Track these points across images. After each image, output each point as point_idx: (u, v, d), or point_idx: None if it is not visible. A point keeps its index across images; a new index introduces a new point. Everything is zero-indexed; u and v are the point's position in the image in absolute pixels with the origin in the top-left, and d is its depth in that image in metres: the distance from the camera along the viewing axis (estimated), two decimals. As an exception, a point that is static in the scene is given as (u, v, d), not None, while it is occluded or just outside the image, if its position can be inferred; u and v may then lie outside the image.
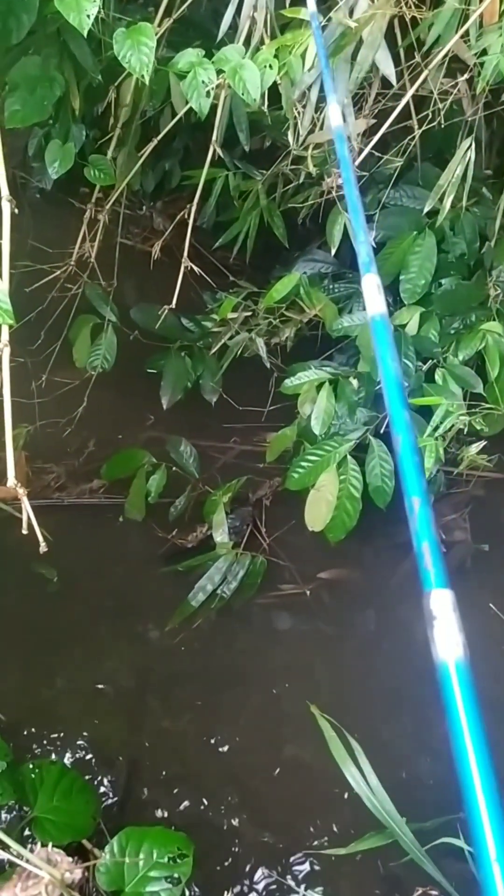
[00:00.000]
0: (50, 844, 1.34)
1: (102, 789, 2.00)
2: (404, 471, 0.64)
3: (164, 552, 2.44)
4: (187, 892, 1.81)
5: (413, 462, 0.64)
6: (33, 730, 2.09)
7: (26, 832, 1.57)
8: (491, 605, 2.36)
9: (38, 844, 1.34)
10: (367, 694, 2.19)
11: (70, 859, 1.29)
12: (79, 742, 2.08)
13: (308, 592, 2.38)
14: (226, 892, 1.37)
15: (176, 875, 1.40)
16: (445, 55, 1.87)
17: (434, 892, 1.78)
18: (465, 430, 2.02)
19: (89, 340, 2.56)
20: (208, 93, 1.73)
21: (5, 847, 1.27)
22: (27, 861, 1.27)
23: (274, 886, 1.87)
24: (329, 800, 1.97)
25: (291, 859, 1.91)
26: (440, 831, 1.68)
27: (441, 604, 0.55)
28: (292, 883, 1.86)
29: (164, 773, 2.05)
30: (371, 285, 0.83)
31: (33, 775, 1.55)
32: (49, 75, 1.78)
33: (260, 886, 1.87)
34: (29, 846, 1.35)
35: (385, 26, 1.83)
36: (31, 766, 1.57)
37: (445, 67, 1.96)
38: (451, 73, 2.00)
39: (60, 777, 1.57)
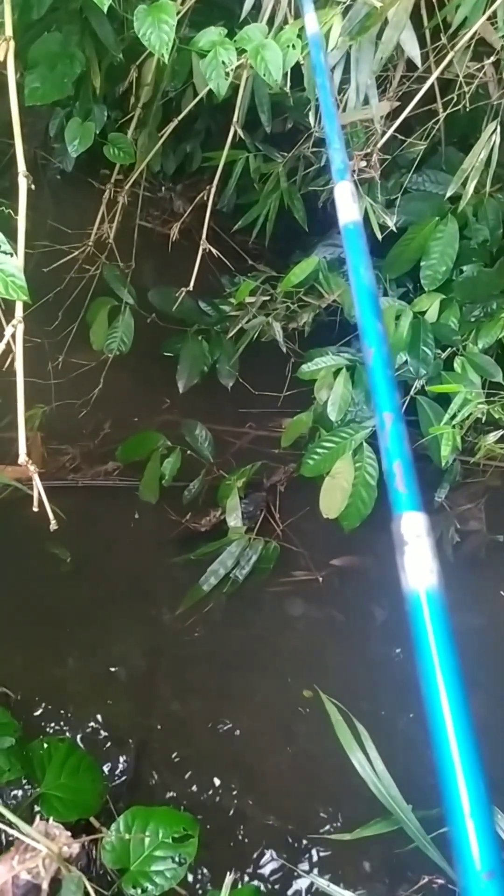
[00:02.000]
0: (50, 819, 1.34)
1: (111, 769, 2.01)
2: (376, 385, 0.60)
3: (177, 535, 2.44)
4: (193, 875, 1.82)
5: (385, 376, 0.60)
6: (44, 709, 2.10)
7: (35, 809, 1.58)
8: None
9: (38, 818, 1.35)
10: (377, 681, 2.19)
11: (69, 833, 1.30)
12: (88, 722, 2.09)
13: (320, 579, 2.38)
14: (229, 873, 1.37)
15: (181, 855, 1.40)
16: (472, 37, 1.84)
17: (440, 881, 1.78)
18: (484, 419, 2.00)
19: (106, 322, 2.55)
20: (228, 74, 1.71)
21: (5, 820, 1.28)
22: (25, 834, 1.28)
23: (280, 870, 1.87)
24: (336, 785, 1.97)
25: (297, 844, 1.91)
26: (441, 824, 1.67)
27: (413, 528, 0.50)
28: (298, 867, 1.86)
29: (172, 754, 2.06)
30: (345, 192, 0.80)
31: (41, 752, 1.56)
32: (70, 52, 1.77)
33: (266, 870, 1.88)
34: (36, 822, 1.36)
35: (411, 7, 1.80)
36: (39, 742, 1.58)
37: (472, 50, 1.92)
38: (478, 55, 1.96)
39: (68, 755, 1.58)
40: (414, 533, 0.50)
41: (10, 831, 1.28)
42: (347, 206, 0.78)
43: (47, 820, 1.32)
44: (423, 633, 0.45)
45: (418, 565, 0.48)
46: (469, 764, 0.40)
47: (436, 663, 0.43)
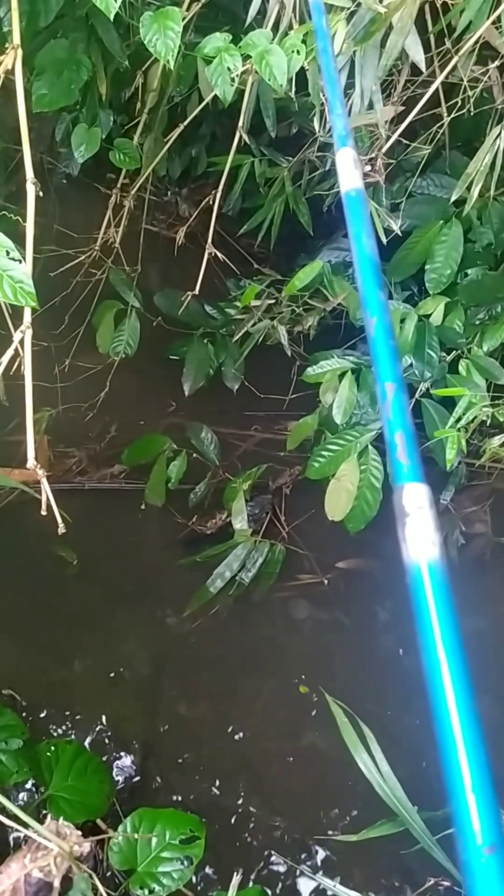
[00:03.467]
0: (60, 818, 1.36)
1: (118, 772, 2.02)
2: (377, 354, 0.59)
3: (183, 538, 2.45)
4: (199, 876, 1.83)
5: (387, 345, 0.59)
6: (51, 711, 2.11)
7: (42, 811, 1.59)
8: (510, 598, 2.35)
9: (49, 818, 1.36)
10: (382, 683, 2.19)
11: (79, 832, 1.31)
12: (95, 724, 2.10)
13: (326, 581, 2.38)
14: (235, 873, 1.38)
15: (188, 856, 1.41)
16: (476, 42, 1.85)
17: (446, 883, 1.78)
18: (489, 421, 2.01)
19: (113, 326, 2.57)
20: (233, 79, 1.72)
21: (17, 820, 1.29)
22: (37, 833, 1.29)
23: (286, 872, 1.88)
24: (343, 787, 1.98)
25: (303, 845, 1.92)
26: (449, 820, 1.68)
27: (415, 499, 0.49)
28: (305, 869, 1.87)
29: (178, 756, 2.07)
30: (347, 158, 0.78)
31: (49, 754, 1.57)
32: (76, 59, 1.78)
33: (272, 871, 1.88)
34: (48, 821, 1.38)
35: (415, 12, 1.80)
36: (46, 744, 1.59)
37: (476, 54, 1.93)
38: (482, 60, 1.97)
39: (76, 756, 1.58)
40: (416, 504, 0.49)
41: (23, 830, 1.29)
42: (349, 172, 0.77)
43: (58, 819, 1.34)
44: (425, 605, 0.44)
45: (420, 537, 0.47)
46: (471, 737, 0.39)
47: (437, 635, 0.43)
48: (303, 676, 2.19)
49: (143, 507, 2.48)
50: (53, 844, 1.26)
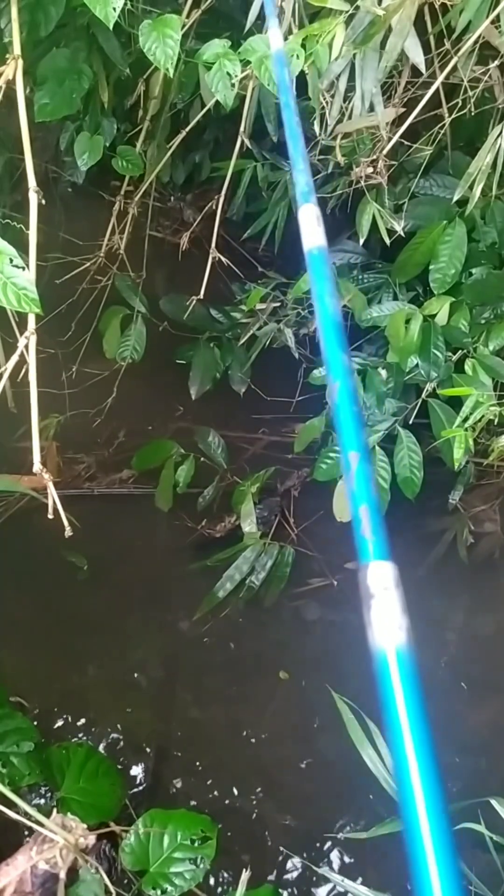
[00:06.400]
0: (67, 812, 1.38)
1: (131, 776, 2.03)
2: (341, 421, 0.56)
3: (193, 542, 2.46)
4: (212, 878, 1.83)
5: (351, 412, 0.57)
6: (62, 717, 2.12)
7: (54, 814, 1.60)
8: (520, 597, 2.34)
9: (55, 811, 1.38)
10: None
11: (84, 826, 1.33)
12: (107, 729, 2.11)
13: (336, 583, 2.38)
14: (244, 870, 1.39)
15: (200, 856, 1.41)
16: (476, 42, 1.85)
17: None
18: (496, 420, 2.01)
19: (119, 331, 2.58)
20: (233, 85, 1.73)
21: (25, 815, 1.31)
22: (43, 826, 1.31)
23: (300, 872, 1.88)
24: (356, 789, 1.98)
25: (317, 845, 1.92)
26: (461, 817, 1.68)
27: (380, 579, 0.47)
28: (318, 868, 1.87)
29: (191, 760, 2.08)
30: (309, 216, 0.77)
31: (60, 757, 1.58)
32: (77, 68, 1.80)
33: (286, 872, 1.88)
34: (53, 815, 1.39)
35: (414, 14, 1.81)
36: (57, 747, 1.60)
37: (476, 54, 1.94)
38: (483, 59, 1.97)
39: (87, 759, 1.59)
40: (381, 585, 0.46)
41: (30, 824, 1.31)
42: (312, 230, 0.75)
43: (65, 813, 1.36)
44: (391, 694, 0.41)
45: (386, 621, 0.44)
46: (440, 844, 0.36)
47: (404, 726, 0.40)
48: (314, 680, 2.20)
49: (151, 512, 2.49)
50: (59, 837, 1.28)
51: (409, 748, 0.39)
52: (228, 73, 1.67)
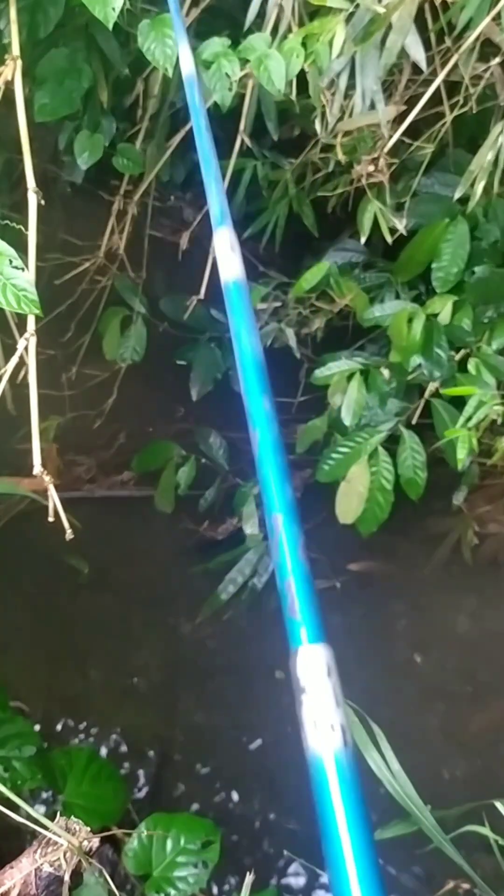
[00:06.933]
0: (70, 815, 1.38)
1: (133, 779, 2.02)
2: (263, 477, 0.46)
3: (194, 544, 2.45)
4: (216, 884, 1.82)
5: (275, 465, 0.48)
6: (66, 722, 2.11)
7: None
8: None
9: (58, 814, 1.38)
10: (396, 686, 2.18)
11: (88, 829, 1.33)
12: (110, 734, 2.10)
13: (339, 585, 2.37)
14: (248, 874, 1.38)
15: (203, 860, 1.41)
16: (477, 39, 1.84)
17: (465, 886, 1.77)
18: (499, 420, 1.99)
19: (119, 332, 2.57)
20: (231, 85, 1.72)
21: (29, 818, 1.30)
22: (47, 829, 1.31)
23: (305, 876, 1.87)
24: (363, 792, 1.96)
25: (321, 849, 1.90)
26: (466, 820, 1.67)
27: (312, 668, 0.39)
28: (325, 874, 1.86)
29: (195, 764, 2.07)
30: (223, 242, 0.68)
31: (63, 761, 1.57)
32: (77, 68, 1.79)
33: (291, 876, 1.87)
34: (57, 818, 1.39)
35: (415, 11, 1.80)
36: (60, 751, 1.60)
37: (477, 52, 1.92)
38: (484, 56, 1.96)
39: (89, 763, 1.59)
40: (314, 675, 0.38)
41: (34, 827, 1.31)
42: (227, 258, 0.66)
43: (68, 816, 1.35)
44: (329, 809, 0.35)
45: (321, 722, 0.37)
46: None
47: (345, 845, 0.34)
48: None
49: (153, 514, 2.48)
50: (63, 840, 1.28)
51: (350, 867, 0.33)
52: (227, 74, 1.66)
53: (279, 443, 0.48)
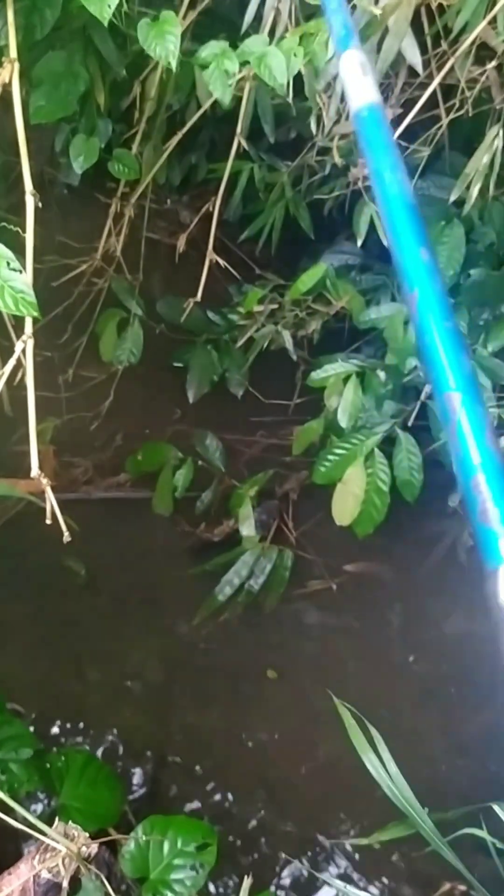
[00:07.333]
0: (69, 821, 1.38)
1: (130, 781, 2.01)
2: (428, 349, 0.39)
3: (191, 546, 2.44)
4: (214, 886, 1.82)
5: (444, 331, 0.39)
6: (61, 724, 2.11)
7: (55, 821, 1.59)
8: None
9: (57, 820, 1.38)
10: (393, 687, 2.18)
11: (86, 834, 1.33)
12: (106, 736, 2.09)
13: (335, 586, 2.37)
14: (246, 877, 1.38)
15: (200, 863, 1.41)
16: (473, 42, 1.84)
17: (462, 888, 1.77)
18: (496, 423, 2.00)
19: (116, 334, 2.57)
20: (230, 84, 1.72)
21: (26, 824, 1.30)
22: (45, 835, 1.31)
23: (303, 879, 1.87)
24: (359, 795, 1.96)
25: (318, 851, 1.91)
26: (463, 823, 1.67)
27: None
28: (320, 875, 1.86)
29: (191, 766, 2.06)
30: (352, 64, 0.56)
31: (59, 763, 1.57)
32: (73, 70, 1.79)
33: (288, 878, 1.87)
34: (56, 824, 1.39)
35: (411, 14, 1.81)
36: (56, 754, 1.59)
37: (473, 55, 1.93)
38: (480, 60, 1.97)
39: (86, 765, 1.58)
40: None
41: (32, 833, 1.30)
42: (358, 82, 0.55)
43: (66, 822, 1.35)
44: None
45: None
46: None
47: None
48: (314, 683, 2.19)
49: (149, 516, 2.48)
50: (61, 845, 1.28)
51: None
52: (226, 71, 1.67)
53: (447, 304, 0.40)
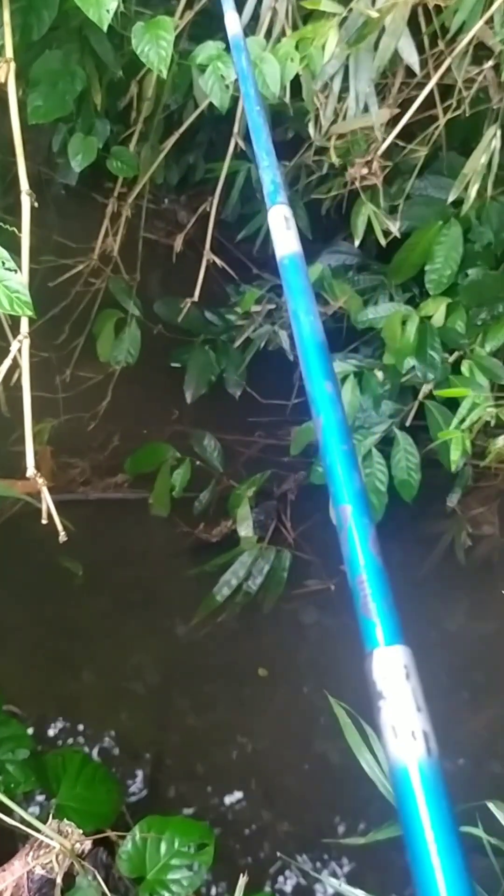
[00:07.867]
0: (63, 818, 1.38)
1: (127, 782, 2.01)
2: (329, 467, 0.44)
3: (189, 546, 2.44)
4: (212, 886, 1.82)
5: (342, 453, 0.45)
6: (58, 725, 2.11)
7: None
8: (518, 600, 2.33)
9: (51, 816, 1.38)
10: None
11: (80, 831, 1.33)
12: (104, 737, 2.09)
13: (333, 587, 2.37)
14: (242, 875, 1.37)
15: (197, 863, 1.41)
16: (470, 42, 1.84)
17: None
18: (493, 422, 2.00)
19: (113, 335, 2.57)
20: (227, 87, 1.72)
21: (21, 821, 1.30)
22: (39, 831, 1.31)
23: (299, 879, 1.87)
24: (353, 794, 1.96)
25: (317, 852, 1.91)
26: (459, 821, 1.67)
27: (391, 671, 0.36)
28: (318, 875, 1.86)
29: (189, 766, 2.06)
30: (278, 219, 0.65)
31: (56, 764, 1.57)
32: (70, 70, 1.79)
33: (284, 878, 1.87)
34: (50, 820, 1.39)
35: (408, 14, 1.81)
36: (53, 754, 1.59)
37: (470, 55, 1.93)
38: (477, 60, 1.97)
39: (83, 765, 1.58)
40: (393, 679, 0.36)
41: (26, 830, 1.31)
42: (282, 234, 0.64)
43: (61, 819, 1.35)
44: (417, 821, 0.31)
45: (402, 729, 0.35)
46: None
47: (435, 865, 0.30)
48: (312, 684, 2.18)
49: (147, 517, 2.47)
50: (55, 842, 1.28)
51: (441, 883, 0.29)
52: (222, 76, 1.67)
53: (345, 429, 0.46)
